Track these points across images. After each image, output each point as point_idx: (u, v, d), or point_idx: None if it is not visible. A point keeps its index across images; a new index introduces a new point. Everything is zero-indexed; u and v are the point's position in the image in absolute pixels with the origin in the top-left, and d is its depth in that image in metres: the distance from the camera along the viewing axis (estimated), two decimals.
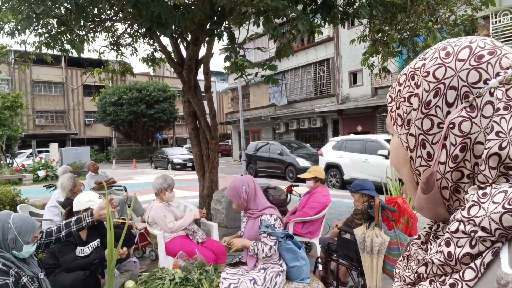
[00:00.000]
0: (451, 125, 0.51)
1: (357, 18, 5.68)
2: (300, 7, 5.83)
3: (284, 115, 23.95)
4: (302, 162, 14.22)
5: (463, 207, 0.49)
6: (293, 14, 5.13)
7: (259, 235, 2.93)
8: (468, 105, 0.50)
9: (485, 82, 0.50)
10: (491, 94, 0.49)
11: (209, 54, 6.62)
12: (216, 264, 3.34)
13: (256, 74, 5.59)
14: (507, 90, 0.49)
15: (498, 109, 0.48)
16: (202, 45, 6.46)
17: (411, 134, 0.56)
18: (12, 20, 5.46)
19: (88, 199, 3.34)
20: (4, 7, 5.37)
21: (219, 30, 5.34)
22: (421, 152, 0.55)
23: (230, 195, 3.06)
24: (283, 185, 7.16)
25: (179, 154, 23.66)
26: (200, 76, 7.16)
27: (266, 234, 2.89)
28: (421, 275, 0.54)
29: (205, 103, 6.83)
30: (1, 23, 5.88)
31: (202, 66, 6.77)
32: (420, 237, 0.62)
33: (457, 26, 5.91)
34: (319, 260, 3.91)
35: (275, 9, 4.80)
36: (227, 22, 5.96)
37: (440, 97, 0.52)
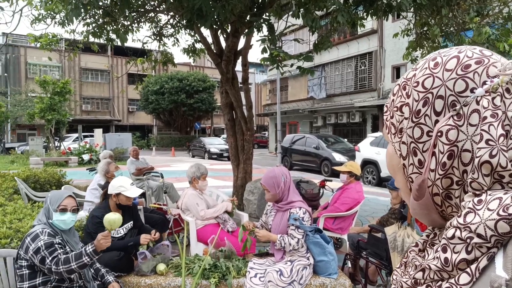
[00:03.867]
0: (439, 133, 0.52)
1: (400, 10, 5.48)
2: None
3: (322, 108, 23.63)
4: (338, 157, 14.02)
5: (459, 214, 0.50)
6: (334, 6, 5.04)
7: (287, 227, 2.95)
8: (455, 114, 0.51)
9: (471, 91, 0.51)
10: (478, 103, 0.50)
11: (247, 46, 6.64)
12: (244, 248, 3.39)
13: (292, 65, 5.56)
14: (493, 98, 0.50)
15: (485, 118, 0.49)
16: (242, 37, 6.50)
17: (403, 142, 0.58)
18: (63, 10, 5.75)
19: (120, 185, 3.45)
20: None
21: (258, 21, 5.35)
22: (413, 159, 0.57)
23: (268, 185, 3.04)
24: (317, 179, 7.12)
25: (216, 144, 24.03)
26: (239, 67, 7.22)
27: (294, 227, 2.91)
28: (418, 280, 0.55)
29: (242, 94, 6.89)
30: (53, 13, 6.21)
31: (240, 57, 6.82)
32: (418, 245, 0.63)
33: (510, 21, 5.56)
34: (348, 256, 3.88)
35: (315, 0, 4.74)
36: (266, 14, 5.95)
37: (429, 106, 0.54)
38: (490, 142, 0.48)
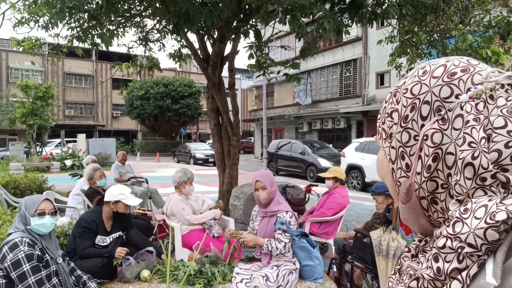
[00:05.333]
0: (424, 137, 0.54)
1: (386, 18, 5.58)
2: (328, 6, 5.78)
3: (307, 114, 23.80)
4: (324, 163, 14.12)
5: (447, 224, 0.51)
6: (320, 12, 5.09)
7: (274, 232, 2.94)
8: (440, 118, 0.54)
9: (456, 97, 0.53)
10: (462, 108, 0.52)
11: (234, 52, 6.66)
12: (230, 259, 3.36)
13: (278, 72, 5.59)
14: (476, 104, 0.52)
15: (468, 121, 0.51)
16: (228, 42, 6.51)
17: (393, 147, 0.60)
18: (47, 13, 5.66)
19: (120, 192, 3.41)
20: (39, 1, 5.58)
21: (245, 27, 5.36)
22: (401, 163, 0.59)
23: (265, 182, 3.02)
24: (302, 184, 7.14)
25: (201, 149, 23.93)
26: (225, 73, 7.22)
27: (281, 231, 2.90)
28: None
29: (229, 100, 6.88)
30: (36, 16, 6.11)
31: (227, 63, 6.83)
32: (411, 250, 0.64)
33: (491, 28, 5.71)
34: (334, 261, 3.89)
35: (301, 7, 4.78)
36: (253, 20, 5.98)
37: (416, 111, 0.56)
38: (472, 145, 0.49)
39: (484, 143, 0.49)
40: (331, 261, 3.94)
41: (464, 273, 0.48)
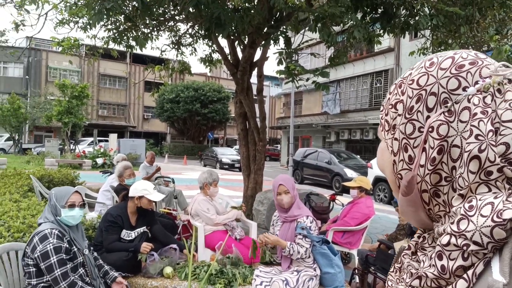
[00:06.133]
0: (430, 129, 0.53)
1: (418, 29, 5.49)
2: (359, 15, 5.76)
3: (335, 124, 23.59)
4: (350, 173, 13.92)
5: (452, 221, 0.50)
6: (351, 21, 5.08)
7: (295, 237, 2.94)
8: (446, 110, 0.53)
9: (464, 89, 0.53)
10: (469, 101, 0.52)
11: (264, 57, 6.72)
12: (251, 262, 3.39)
13: (307, 80, 5.59)
14: (484, 97, 0.51)
15: (476, 114, 0.50)
16: (258, 48, 6.59)
17: (396, 139, 0.59)
18: (86, 15, 5.93)
19: (143, 188, 3.51)
20: (79, 3, 5.85)
21: (275, 34, 5.42)
22: (403, 155, 0.58)
23: (288, 185, 3.05)
24: (327, 193, 7.08)
25: (228, 154, 24.10)
26: (254, 79, 7.30)
27: (301, 236, 2.90)
28: None
29: (256, 106, 6.94)
30: (76, 17, 6.40)
31: (256, 68, 6.90)
32: (411, 247, 0.63)
33: None
34: (356, 271, 3.83)
35: (332, 15, 4.79)
36: (284, 27, 6.03)
37: (422, 102, 0.55)
38: (479, 137, 0.49)
39: (492, 136, 0.48)
40: (353, 271, 3.89)
41: (470, 272, 0.47)
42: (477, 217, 0.47)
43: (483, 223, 0.46)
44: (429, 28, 5.60)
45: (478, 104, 0.51)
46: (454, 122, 0.52)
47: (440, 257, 0.50)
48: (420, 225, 0.61)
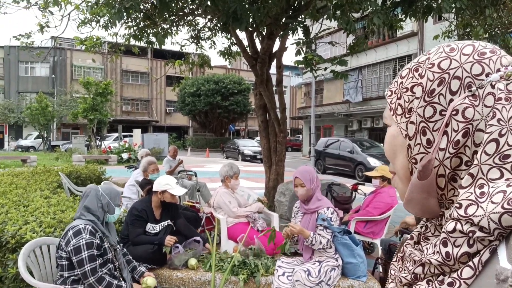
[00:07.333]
0: (454, 112, 0.53)
1: (440, 12, 5.33)
2: (379, 0, 5.63)
3: (358, 112, 23.25)
4: (373, 162, 13.75)
5: (458, 206, 0.50)
6: (370, 7, 4.98)
7: (316, 228, 2.96)
8: (471, 94, 0.53)
9: (487, 75, 0.53)
10: (493, 87, 0.52)
11: (282, 48, 6.69)
12: (273, 253, 3.42)
13: (325, 69, 5.53)
14: (507, 84, 0.52)
15: (500, 99, 0.51)
16: (277, 39, 6.55)
17: (412, 122, 0.58)
18: (107, 13, 6.05)
19: (166, 182, 3.59)
20: (100, 2, 5.96)
21: (293, 24, 5.37)
22: (421, 139, 0.57)
23: (304, 178, 3.04)
24: (349, 183, 7.03)
25: (249, 146, 24.19)
26: (273, 70, 7.27)
27: (322, 227, 2.91)
28: (418, 275, 0.55)
29: (276, 97, 6.93)
30: (97, 16, 6.53)
31: (275, 60, 6.87)
32: (413, 237, 0.63)
33: None
34: (379, 261, 3.81)
35: (350, 2, 4.71)
36: (302, 16, 5.97)
37: (444, 85, 0.55)
38: (501, 122, 0.50)
39: None
40: (376, 261, 3.87)
41: (475, 260, 0.47)
42: (488, 203, 0.47)
43: (493, 209, 0.46)
44: (453, 11, 5.43)
45: (503, 90, 0.51)
46: (479, 107, 0.52)
47: (445, 244, 0.50)
48: (426, 214, 0.60)
